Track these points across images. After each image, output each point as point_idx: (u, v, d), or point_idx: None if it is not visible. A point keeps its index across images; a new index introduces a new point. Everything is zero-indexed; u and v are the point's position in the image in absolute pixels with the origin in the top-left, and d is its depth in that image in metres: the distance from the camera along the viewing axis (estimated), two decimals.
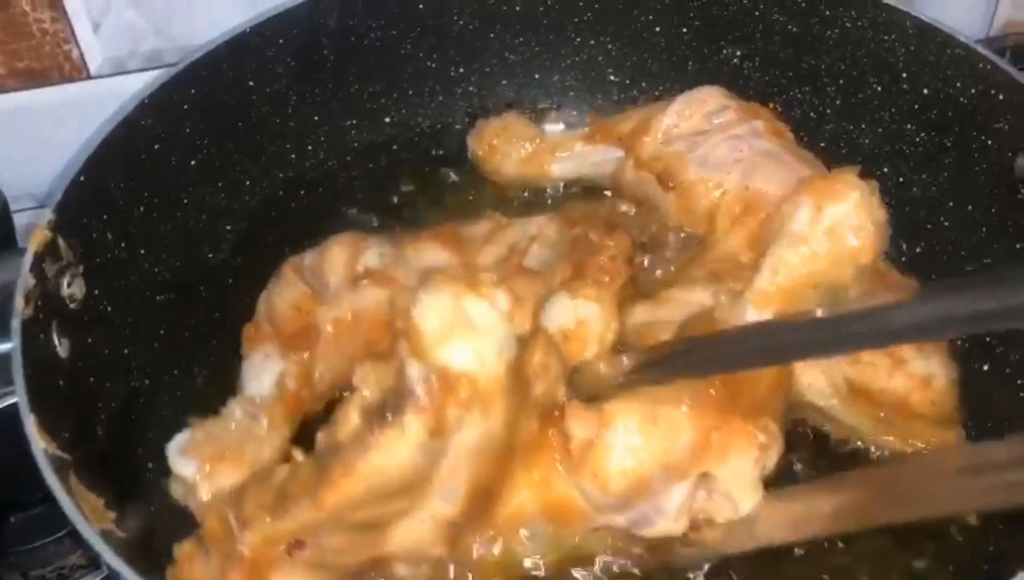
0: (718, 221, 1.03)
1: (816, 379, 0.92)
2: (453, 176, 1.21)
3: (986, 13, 1.51)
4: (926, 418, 0.93)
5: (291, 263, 1.01)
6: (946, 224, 1.06)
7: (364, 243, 1.01)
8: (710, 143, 1.05)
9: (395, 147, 1.21)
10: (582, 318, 0.94)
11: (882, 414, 0.92)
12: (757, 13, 1.12)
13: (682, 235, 1.07)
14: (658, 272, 1.05)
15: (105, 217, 0.95)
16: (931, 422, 0.93)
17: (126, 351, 0.96)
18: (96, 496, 0.81)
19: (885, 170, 1.10)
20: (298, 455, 0.86)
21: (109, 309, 0.94)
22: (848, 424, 0.93)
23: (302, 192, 1.16)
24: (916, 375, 0.93)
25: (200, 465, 0.87)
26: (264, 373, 0.94)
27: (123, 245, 0.97)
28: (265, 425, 0.91)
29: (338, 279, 0.98)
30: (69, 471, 0.78)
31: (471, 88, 1.22)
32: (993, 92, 0.97)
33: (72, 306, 0.89)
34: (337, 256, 0.99)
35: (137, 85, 1.21)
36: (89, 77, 1.23)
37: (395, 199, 1.18)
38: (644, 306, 0.97)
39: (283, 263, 1.01)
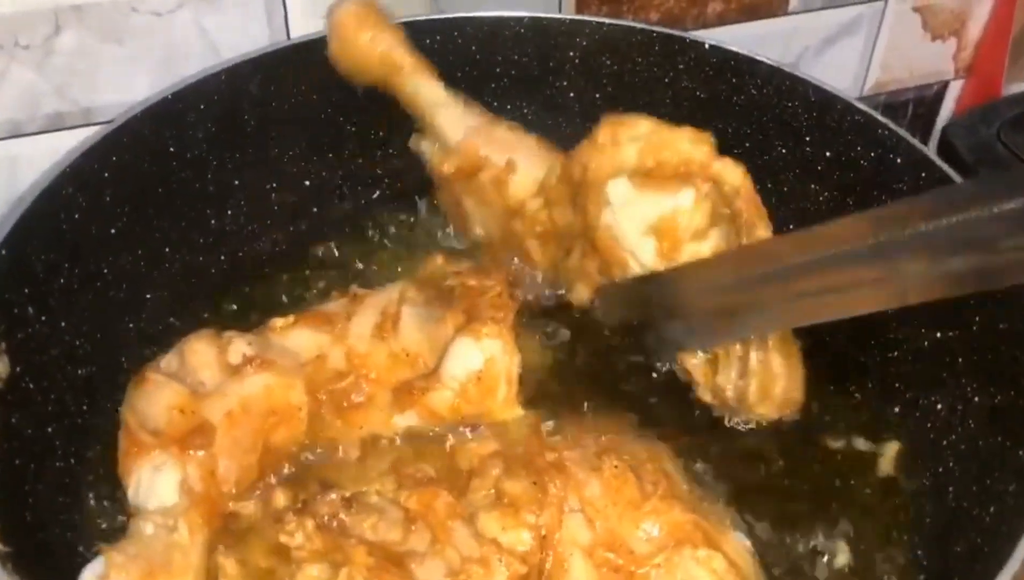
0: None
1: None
2: (374, 235, 1.22)
3: (858, 75, 1.63)
4: None
5: (151, 368, 0.95)
6: None
7: (225, 336, 0.98)
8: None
9: (315, 209, 1.21)
10: (489, 356, 0.97)
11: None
12: (667, 80, 1.18)
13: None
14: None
15: (26, 291, 0.91)
16: None
17: (50, 430, 0.92)
18: None
19: (791, 227, 1.16)
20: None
21: (32, 387, 0.90)
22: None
23: (223, 256, 1.15)
24: None
25: None
26: (161, 484, 0.88)
27: (44, 319, 0.93)
28: (186, 532, 0.85)
29: (214, 373, 0.95)
30: (8, 563, 0.75)
31: (391, 150, 1.22)
32: (891, 156, 1.04)
33: None
34: (203, 352, 0.96)
35: (36, 147, 1.18)
36: None
37: (317, 258, 1.18)
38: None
39: (140, 373, 0.95)
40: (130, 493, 0.89)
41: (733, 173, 0.95)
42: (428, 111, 1.13)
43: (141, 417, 0.91)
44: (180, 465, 0.88)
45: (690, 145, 0.95)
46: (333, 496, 0.88)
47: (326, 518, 0.86)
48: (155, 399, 0.92)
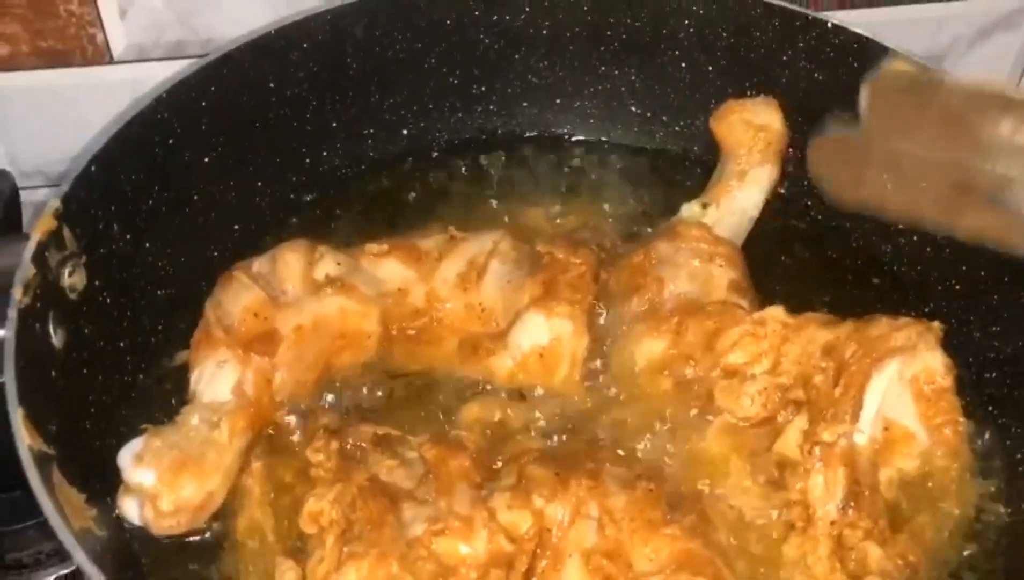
0: None
1: None
2: (465, 191, 1.20)
3: (1013, 74, 1.51)
4: None
5: (242, 268, 0.99)
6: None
7: (318, 251, 1.00)
8: None
9: (411, 159, 1.20)
10: (557, 335, 0.96)
11: None
12: (785, 59, 1.11)
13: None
14: None
15: (113, 208, 0.94)
16: None
17: (122, 345, 0.95)
18: (78, 491, 0.81)
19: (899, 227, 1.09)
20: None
21: (108, 301, 0.94)
22: None
23: (313, 196, 1.16)
24: None
25: (160, 474, 0.84)
26: (220, 380, 0.91)
27: (128, 237, 0.97)
28: (226, 433, 0.88)
29: (296, 286, 0.97)
30: (52, 465, 0.78)
31: (491, 107, 1.21)
32: None
33: (71, 297, 0.88)
34: (293, 263, 0.98)
35: (158, 73, 1.21)
36: (112, 62, 1.23)
37: (409, 207, 1.17)
38: None
39: (231, 269, 0.98)
40: (192, 382, 0.93)
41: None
42: (730, 194, 1.10)
43: (220, 312, 0.95)
44: (241, 367, 0.92)
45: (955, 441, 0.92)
46: (368, 429, 0.89)
47: (350, 445, 0.88)
48: (236, 298, 0.95)
